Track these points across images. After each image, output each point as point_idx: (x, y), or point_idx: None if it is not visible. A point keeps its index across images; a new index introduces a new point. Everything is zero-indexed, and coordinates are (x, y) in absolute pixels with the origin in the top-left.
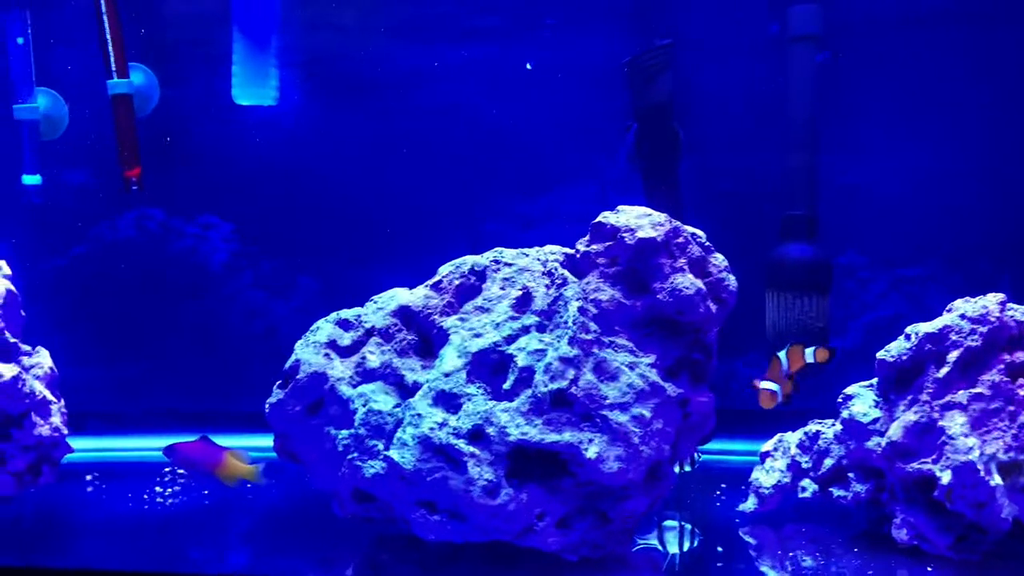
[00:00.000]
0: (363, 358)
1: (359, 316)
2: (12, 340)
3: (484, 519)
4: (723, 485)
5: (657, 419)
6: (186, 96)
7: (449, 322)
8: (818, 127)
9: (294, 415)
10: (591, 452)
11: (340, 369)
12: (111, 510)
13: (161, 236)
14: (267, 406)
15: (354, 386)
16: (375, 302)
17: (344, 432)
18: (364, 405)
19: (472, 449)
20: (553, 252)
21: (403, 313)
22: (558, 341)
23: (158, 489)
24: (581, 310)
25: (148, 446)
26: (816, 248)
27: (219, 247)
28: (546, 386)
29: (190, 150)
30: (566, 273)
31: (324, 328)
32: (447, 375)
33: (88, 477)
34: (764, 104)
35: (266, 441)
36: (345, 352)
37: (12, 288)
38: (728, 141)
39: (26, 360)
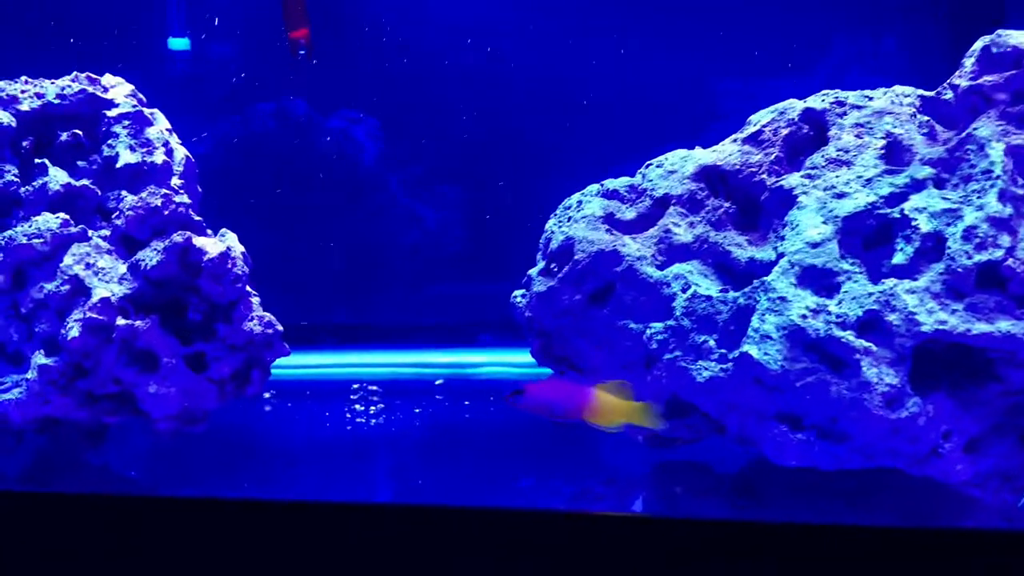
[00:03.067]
0: (666, 232)
1: (634, 186)
2: (197, 218)
3: (878, 438)
4: None
5: None
6: None
7: (791, 181)
8: None
9: (571, 306)
10: None
11: (635, 247)
12: (321, 432)
13: (303, 130)
14: (521, 299)
15: (660, 267)
16: (659, 166)
17: (656, 325)
18: (684, 290)
19: (865, 344)
20: (905, 93)
21: (710, 175)
22: (977, 197)
23: (358, 408)
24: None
25: (302, 363)
26: None
27: (365, 146)
28: (969, 258)
29: (338, 23)
30: (926, 118)
31: (592, 201)
32: (814, 246)
33: (267, 395)
34: None
35: (414, 357)
36: (631, 227)
37: (190, 156)
38: None
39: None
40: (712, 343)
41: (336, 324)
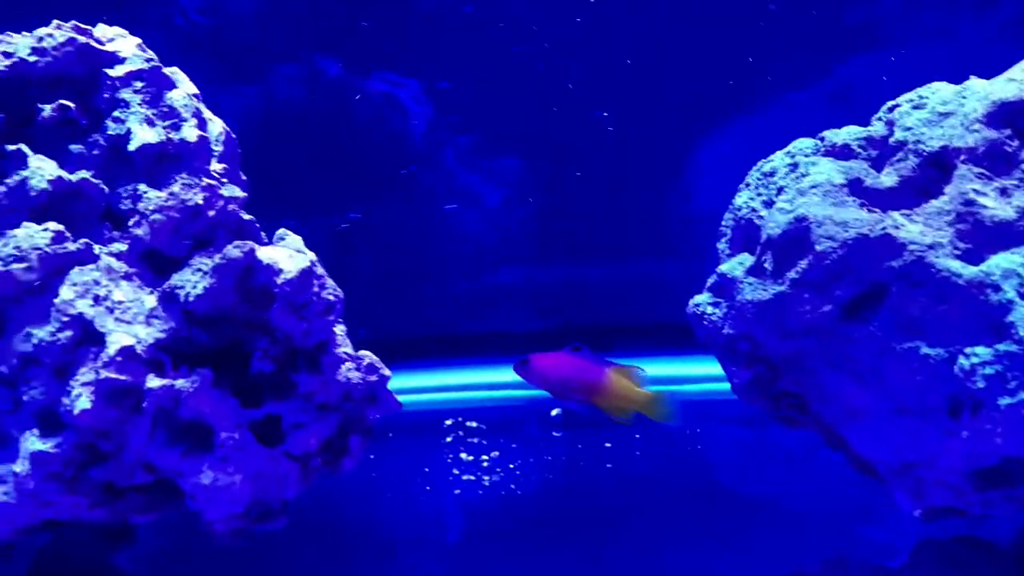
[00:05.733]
0: (967, 205)
1: (873, 137)
2: (247, 217)
3: None
4: None
5: None
6: None
7: None
8: None
9: (815, 322)
10: None
11: (916, 229)
12: (434, 502)
13: (336, 96)
14: (711, 308)
15: (965, 259)
16: (917, 107)
17: (980, 352)
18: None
19: None
20: None
21: (1014, 116)
22: None
23: (465, 457)
24: None
25: None
26: None
27: (412, 111)
28: None
29: None
30: None
31: (818, 163)
32: None
33: None
34: None
35: (498, 375)
36: (893, 200)
37: (229, 130)
38: None
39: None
40: None
41: (392, 337)
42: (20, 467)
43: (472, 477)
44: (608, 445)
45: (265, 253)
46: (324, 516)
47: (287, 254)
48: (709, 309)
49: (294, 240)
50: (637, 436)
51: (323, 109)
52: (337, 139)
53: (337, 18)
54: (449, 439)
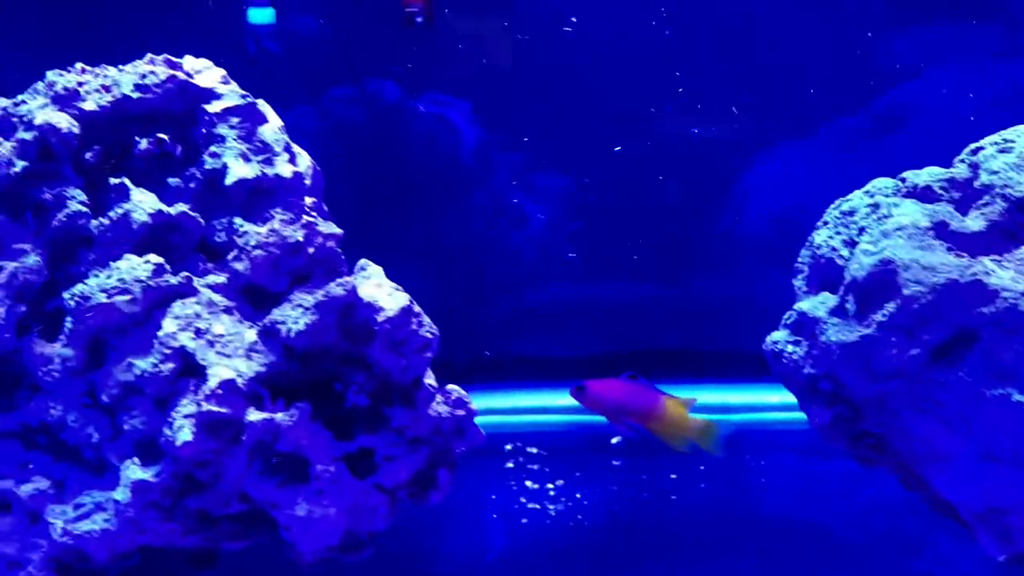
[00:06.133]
0: None
1: (956, 179)
2: (337, 248)
3: None
4: None
5: None
6: None
7: None
8: None
9: (903, 366)
10: None
11: (1008, 275)
12: (514, 532)
13: (394, 119)
14: (792, 347)
15: None
16: (1004, 150)
17: None
18: None
19: None
20: None
21: None
22: None
23: (531, 485)
24: None
25: None
26: None
27: (463, 130)
28: None
29: None
30: None
31: (901, 205)
32: None
33: None
34: None
35: (544, 399)
36: (981, 244)
37: (315, 164)
38: None
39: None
40: None
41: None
42: (121, 495)
43: (538, 506)
44: (673, 476)
45: (366, 291)
46: (399, 544)
47: (387, 292)
48: (789, 348)
49: (375, 271)
50: (702, 468)
51: (376, 131)
52: (390, 160)
53: (390, 40)
54: (511, 465)
